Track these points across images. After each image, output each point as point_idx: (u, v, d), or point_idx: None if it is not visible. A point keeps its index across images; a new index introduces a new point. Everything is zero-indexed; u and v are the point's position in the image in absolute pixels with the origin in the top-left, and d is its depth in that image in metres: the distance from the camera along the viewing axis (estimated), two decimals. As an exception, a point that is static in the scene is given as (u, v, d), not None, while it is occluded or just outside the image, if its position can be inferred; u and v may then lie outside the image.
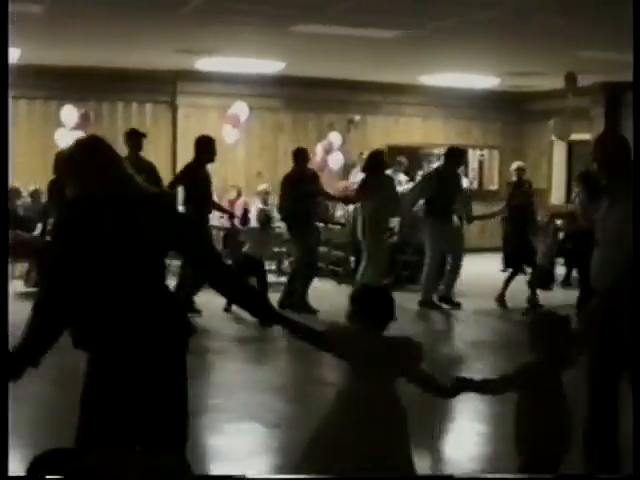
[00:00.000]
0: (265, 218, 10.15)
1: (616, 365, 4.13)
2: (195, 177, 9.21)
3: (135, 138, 9.55)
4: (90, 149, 3.50)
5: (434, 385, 3.65)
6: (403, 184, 14.29)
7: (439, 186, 9.86)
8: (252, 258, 9.77)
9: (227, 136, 13.58)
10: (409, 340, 3.56)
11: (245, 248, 9.94)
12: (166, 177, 10.08)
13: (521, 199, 10.56)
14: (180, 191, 9.51)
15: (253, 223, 10.99)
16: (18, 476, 2.59)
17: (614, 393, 4.15)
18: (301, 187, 9.76)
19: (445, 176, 10.04)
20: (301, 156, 10.03)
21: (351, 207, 11.28)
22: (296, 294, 9.79)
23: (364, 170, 10.54)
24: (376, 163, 10.27)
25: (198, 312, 9.15)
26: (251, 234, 10.17)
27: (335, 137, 14.46)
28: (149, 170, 9.33)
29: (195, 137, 9.50)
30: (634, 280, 3.99)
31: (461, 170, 10.76)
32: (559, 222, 10.88)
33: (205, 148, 9.29)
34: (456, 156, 10.27)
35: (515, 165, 13.78)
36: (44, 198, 10.90)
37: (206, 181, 9.32)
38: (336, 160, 14.32)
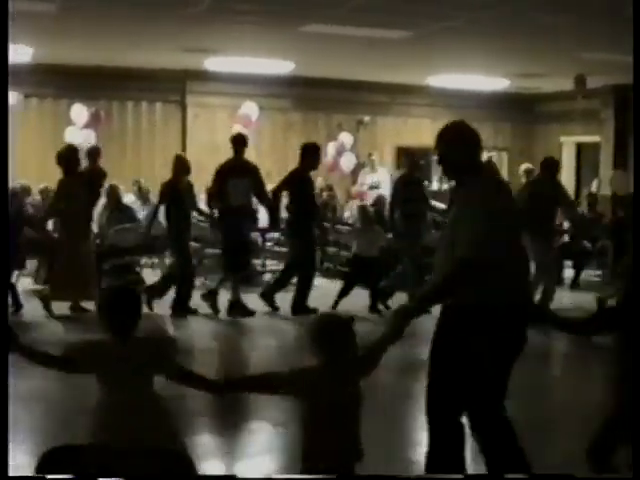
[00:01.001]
0: (367, 214, 10.10)
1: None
2: (300, 182, 9.43)
3: (239, 142, 9.64)
4: None
5: (201, 383, 3.51)
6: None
7: (535, 198, 9.19)
8: (362, 258, 9.71)
9: (236, 136, 13.59)
10: (161, 337, 3.50)
11: (354, 249, 9.93)
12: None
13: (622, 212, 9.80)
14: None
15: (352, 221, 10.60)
16: (18, 476, 2.61)
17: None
18: (412, 190, 9.76)
19: (540, 186, 9.53)
20: (411, 161, 10.17)
21: (354, 209, 11.17)
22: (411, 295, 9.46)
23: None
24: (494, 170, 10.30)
25: (277, 308, 9.45)
26: (358, 233, 10.09)
27: (346, 138, 14.45)
28: (253, 172, 9.53)
29: (301, 144, 9.72)
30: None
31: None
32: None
33: (311, 154, 9.48)
34: (552, 165, 9.89)
35: (524, 167, 13.73)
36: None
37: (310, 186, 9.62)
38: (348, 161, 14.32)
